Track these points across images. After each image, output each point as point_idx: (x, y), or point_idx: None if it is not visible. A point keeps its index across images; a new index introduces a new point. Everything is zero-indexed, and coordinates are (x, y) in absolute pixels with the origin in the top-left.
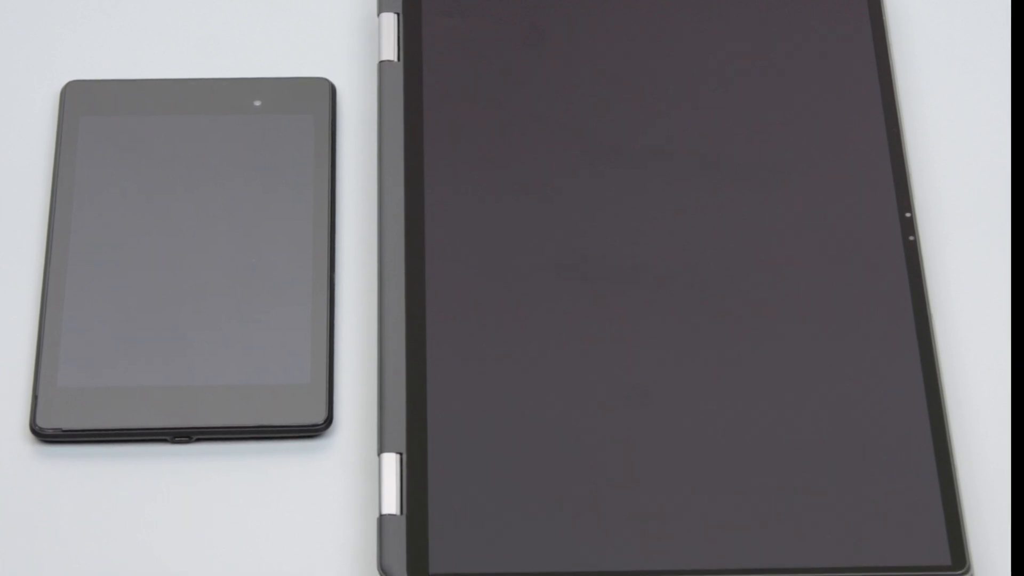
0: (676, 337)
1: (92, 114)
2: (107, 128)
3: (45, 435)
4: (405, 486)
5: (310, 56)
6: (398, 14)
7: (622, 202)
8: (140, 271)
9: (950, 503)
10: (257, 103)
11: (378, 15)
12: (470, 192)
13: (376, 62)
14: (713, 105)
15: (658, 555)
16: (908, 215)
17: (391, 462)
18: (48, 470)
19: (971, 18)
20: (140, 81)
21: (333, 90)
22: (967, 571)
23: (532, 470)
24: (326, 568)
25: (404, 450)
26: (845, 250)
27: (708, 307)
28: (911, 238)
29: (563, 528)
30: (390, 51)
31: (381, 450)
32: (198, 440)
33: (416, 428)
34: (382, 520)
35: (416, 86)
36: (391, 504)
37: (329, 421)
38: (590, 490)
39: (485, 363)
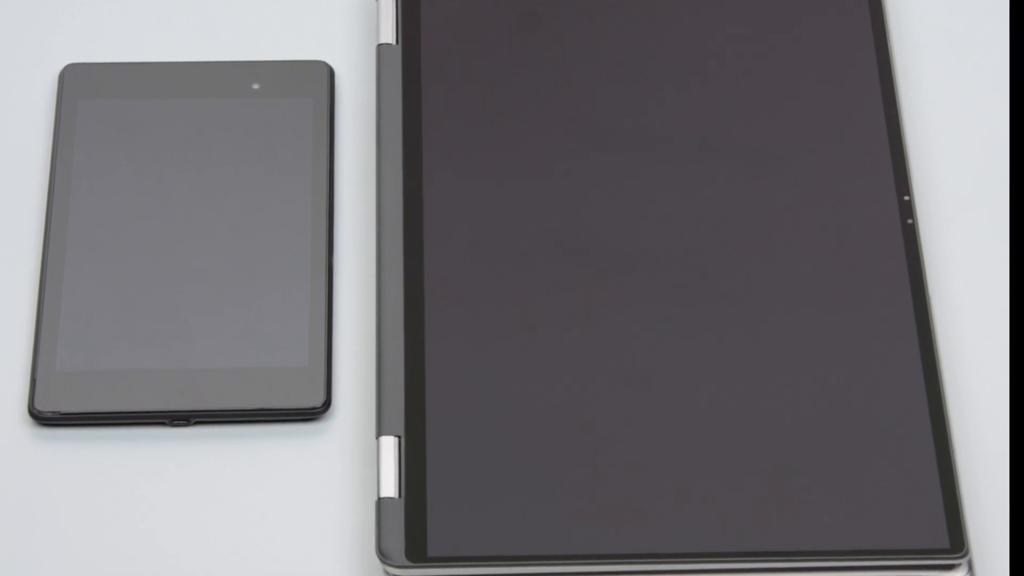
0: (675, 321)
1: (91, 97)
2: (106, 111)
3: (44, 418)
4: (403, 469)
5: (309, 39)
6: None
7: (621, 186)
8: (139, 254)
9: (948, 487)
10: (256, 86)
11: None
12: (468, 175)
13: (375, 45)
14: (712, 89)
15: (657, 538)
16: (907, 198)
17: (389, 445)
18: (47, 454)
19: (970, 2)
20: (139, 64)
21: (332, 73)
22: (965, 554)
23: (531, 453)
24: (324, 551)
25: (402, 433)
26: (844, 234)
27: (707, 291)
28: (909, 221)
29: (562, 511)
30: (388, 34)
31: (379, 433)
32: (197, 423)
33: (414, 411)
34: (380, 503)
35: (415, 69)
36: (389, 487)
37: (327, 404)
38: (589, 473)
39: (483, 346)
